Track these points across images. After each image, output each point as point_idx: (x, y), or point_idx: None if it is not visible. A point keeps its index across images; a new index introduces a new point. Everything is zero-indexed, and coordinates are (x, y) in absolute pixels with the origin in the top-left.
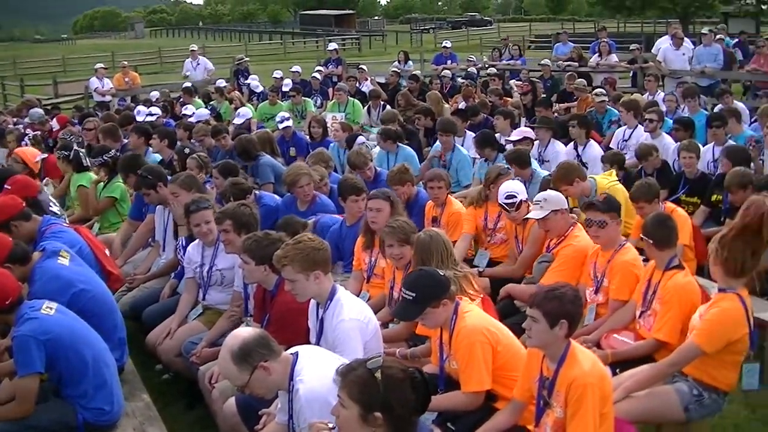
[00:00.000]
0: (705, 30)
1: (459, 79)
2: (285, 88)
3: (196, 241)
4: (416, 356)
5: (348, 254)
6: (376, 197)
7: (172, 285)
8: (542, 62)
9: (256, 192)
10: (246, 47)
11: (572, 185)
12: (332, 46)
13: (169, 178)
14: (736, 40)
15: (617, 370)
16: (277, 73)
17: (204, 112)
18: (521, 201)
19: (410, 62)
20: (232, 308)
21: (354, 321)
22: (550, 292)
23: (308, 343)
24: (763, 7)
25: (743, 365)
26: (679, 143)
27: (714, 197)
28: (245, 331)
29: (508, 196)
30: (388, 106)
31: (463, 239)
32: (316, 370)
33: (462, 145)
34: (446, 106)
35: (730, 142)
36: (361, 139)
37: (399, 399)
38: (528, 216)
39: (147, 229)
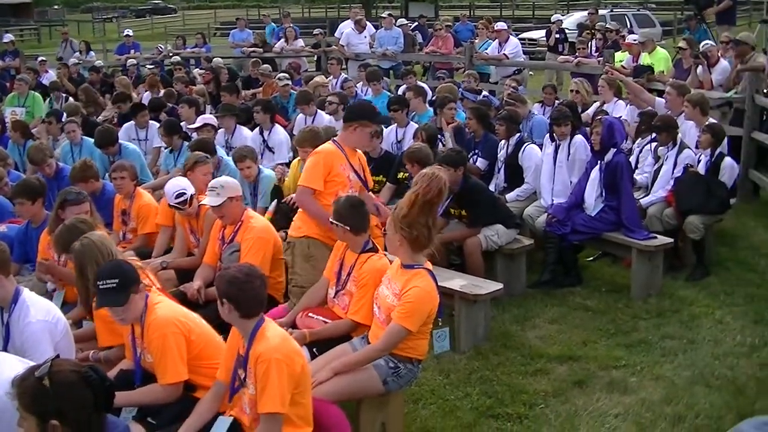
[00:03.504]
0: (386, 14)
1: (144, 69)
2: None
3: None
4: (110, 359)
5: (35, 255)
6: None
7: None
8: (214, 59)
9: None
10: None
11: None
12: (8, 37)
13: None
14: (416, 23)
15: (314, 350)
16: None
17: None
18: (192, 195)
19: (92, 52)
20: None
21: (42, 322)
22: (218, 276)
23: None
24: None
25: (432, 332)
26: None
27: (400, 175)
28: None
29: (178, 195)
30: (71, 99)
31: (164, 232)
32: (2, 378)
33: (146, 138)
34: (134, 95)
35: (412, 124)
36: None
37: (73, 402)
38: (203, 202)
39: None
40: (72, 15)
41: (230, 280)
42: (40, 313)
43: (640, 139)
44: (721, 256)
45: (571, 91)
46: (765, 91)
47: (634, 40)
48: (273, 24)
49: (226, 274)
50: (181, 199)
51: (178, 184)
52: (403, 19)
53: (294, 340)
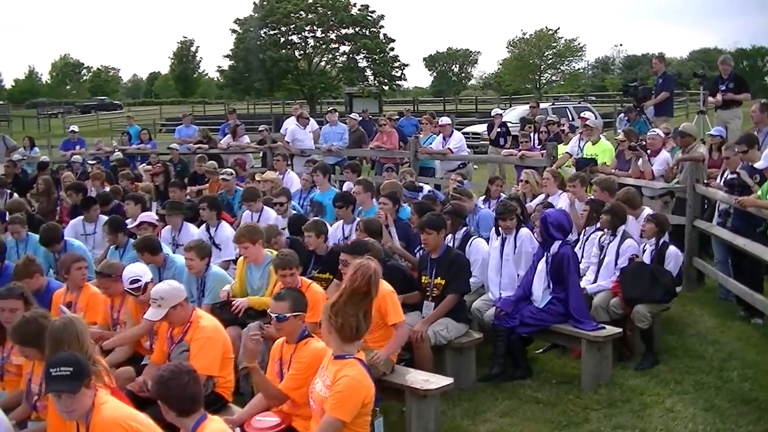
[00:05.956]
0: (331, 109)
1: (89, 165)
2: None
3: None
4: None
5: None
6: (8, 297)
7: None
8: (170, 146)
9: None
10: None
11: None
12: None
13: None
14: (360, 118)
15: None
16: None
17: None
18: (146, 283)
19: (36, 148)
20: None
21: None
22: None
23: None
24: (385, 87)
25: (374, 422)
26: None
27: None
28: None
29: (133, 281)
30: (15, 195)
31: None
32: None
33: (94, 231)
34: None
35: (358, 220)
36: None
37: None
38: (146, 317)
39: None
40: (17, 111)
41: (158, 381)
42: None
43: (585, 229)
44: (669, 344)
45: (521, 181)
46: (705, 180)
47: (587, 123)
48: (136, 126)
49: (155, 375)
50: (135, 285)
51: (134, 270)
52: (356, 114)
53: None
